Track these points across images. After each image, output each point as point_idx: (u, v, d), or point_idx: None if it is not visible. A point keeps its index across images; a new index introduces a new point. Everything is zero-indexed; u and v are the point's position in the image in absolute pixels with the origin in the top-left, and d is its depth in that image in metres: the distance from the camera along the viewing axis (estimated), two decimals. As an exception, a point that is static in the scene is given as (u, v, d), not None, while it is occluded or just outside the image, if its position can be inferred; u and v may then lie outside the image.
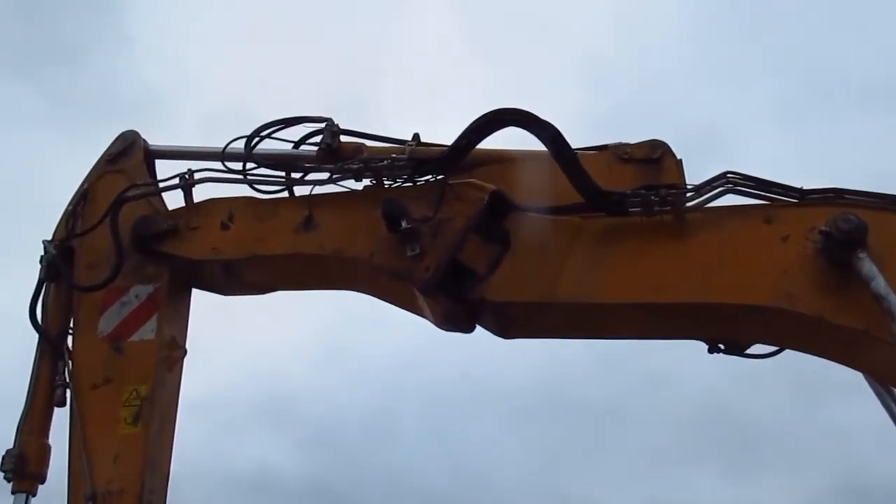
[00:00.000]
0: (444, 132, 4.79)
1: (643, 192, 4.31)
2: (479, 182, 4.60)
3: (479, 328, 4.66)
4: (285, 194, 4.93)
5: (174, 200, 5.03)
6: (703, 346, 4.48)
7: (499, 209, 4.56)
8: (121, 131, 5.19)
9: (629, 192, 4.32)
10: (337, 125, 4.95)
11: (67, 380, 4.70)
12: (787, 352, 4.39)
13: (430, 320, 4.68)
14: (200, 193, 4.99)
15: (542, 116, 4.44)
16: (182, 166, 4.97)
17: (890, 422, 4.38)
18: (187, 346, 4.90)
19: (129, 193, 4.94)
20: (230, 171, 4.91)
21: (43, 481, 4.64)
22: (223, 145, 4.97)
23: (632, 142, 4.63)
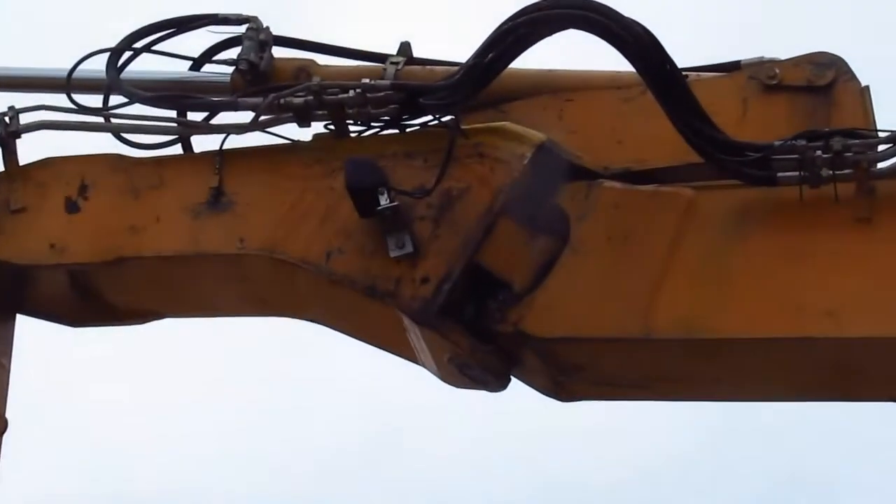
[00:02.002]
0: (451, 45, 4.71)
1: (803, 143, 4.02)
2: (515, 127, 4.35)
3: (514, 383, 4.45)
4: (177, 150, 4.70)
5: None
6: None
7: (551, 174, 4.31)
8: None
9: (779, 143, 4.04)
10: (267, 29, 4.71)
11: None
12: None
13: (429, 369, 4.43)
14: (31, 149, 4.72)
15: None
16: (1, 102, 4.72)
17: None
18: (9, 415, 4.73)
19: None
20: (83, 109, 4.65)
21: None
22: (70, 65, 4.71)
23: (781, 57, 4.39)
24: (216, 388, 11.73)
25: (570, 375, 4.27)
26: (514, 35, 4.20)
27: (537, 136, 4.28)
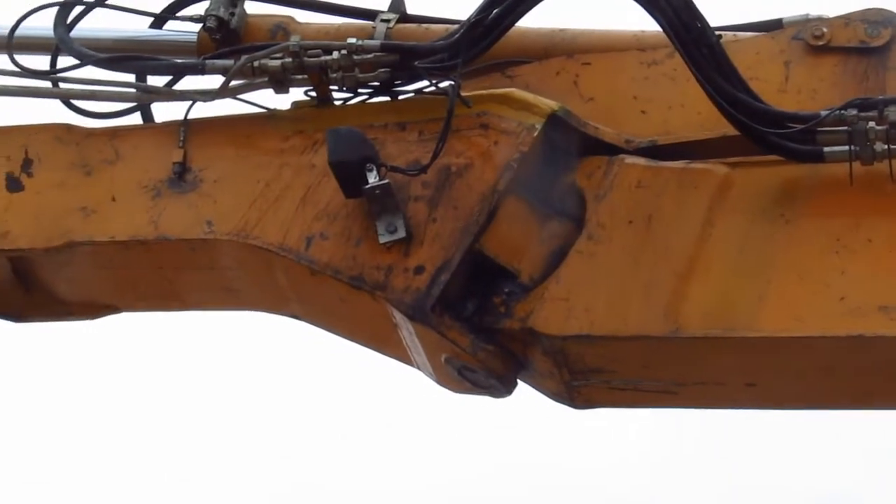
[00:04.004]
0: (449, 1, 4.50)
1: (854, 113, 3.79)
2: (523, 94, 4.15)
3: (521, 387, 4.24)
4: (136, 119, 4.54)
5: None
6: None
7: (564, 149, 4.12)
8: None
9: (826, 112, 3.80)
10: None
11: None
12: None
13: (423, 371, 4.23)
14: None
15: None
16: None
17: None
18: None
19: None
20: (27, 72, 4.41)
21: None
22: (13, 23, 4.47)
23: (830, 14, 4.20)
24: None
25: (585, 379, 4.04)
26: None
27: (549, 104, 4.06)
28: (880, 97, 3.82)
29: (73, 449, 10.59)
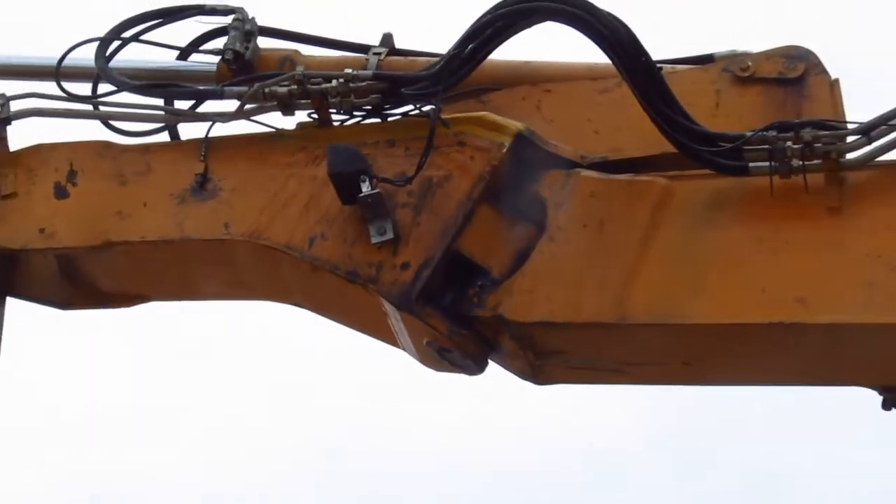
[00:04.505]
0: (431, 35, 4.79)
1: (774, 133, 4.06)
2: (494, 117, 4.38)
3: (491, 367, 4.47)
4: (164, 137, 4.75)
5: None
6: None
7: (529, 163, 4.36)
8: None
9: (751, 133, 4.08)
10: (253, 20, 4.76)
11: None
12: None
13: (408, 352, 4.47)
14: (21, 136, 4.76)
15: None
16: None
17: None
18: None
19: None
20: (72, 97, 4.69)
21: None
22: (60, 54, 4.74)
23: (754, 50, 4.44)
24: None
25: (546, 359, 4.31)
26: (493, 27, 4.24)
27: (516, 125, 4.31)
28: (796, 120, 4.08)
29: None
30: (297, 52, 4.73)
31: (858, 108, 4.31)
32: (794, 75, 4.32)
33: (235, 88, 4.50)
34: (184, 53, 4.79)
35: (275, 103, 4.44)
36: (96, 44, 4.69)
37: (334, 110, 4.48)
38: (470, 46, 4.26)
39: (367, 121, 4.52)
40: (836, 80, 4.33)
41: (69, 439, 11.11)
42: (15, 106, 4.65)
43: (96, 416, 11.13)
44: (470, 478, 12.12)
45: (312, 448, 11.73)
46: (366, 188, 4.20)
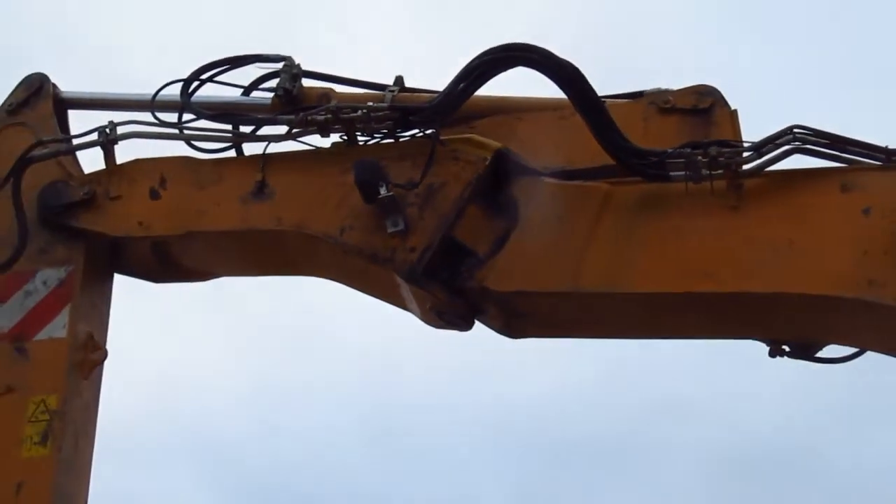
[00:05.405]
0: (433, 76, 4.96)
1: (688, 150, 4.40)
2: (479, 138, 4.68)
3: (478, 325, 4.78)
4: (232, 153, 5.04)
5: (92, 162, 5.13)
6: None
7: (505, 172, 4.64)
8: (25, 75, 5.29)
9: (671, 150, 4.41)
10: (298, 65, 5.07)
11: None
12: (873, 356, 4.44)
13: (415, 315, 4.80)
14: (124, 152, 5.09)
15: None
16: (102, 118, 5.03)
17: None
18: (108, 347, 5.01)
19: (35, 153, 4.99)
20: (162, 123, 4.99)
21: None
22: (153, 91, 5.06)
23: (674, 88, 4.73)
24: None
25: (520, 319, 4.64)
26: (478, 71, 4.57)
27: (496, 144, 4.66)
28: (705, 140, 4.45)
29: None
30: (331, 89, 5.07)
31: (752, 130, 4.58)
32: (704, 106, 4.66)
33: (285, 117, 4.83)
34: (246, 91, 5.14)
35: (315, 128, 4.78)
36: (181, 83, 5.04)
37: (360, 133, 4.81)
38: (461, 85, 4.61)
39: (384, 141, 4.83)
40: (735, 111, 4.67)
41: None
42: (120, 130, 4.95)
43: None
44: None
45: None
46: (383, 191, 4.54)
